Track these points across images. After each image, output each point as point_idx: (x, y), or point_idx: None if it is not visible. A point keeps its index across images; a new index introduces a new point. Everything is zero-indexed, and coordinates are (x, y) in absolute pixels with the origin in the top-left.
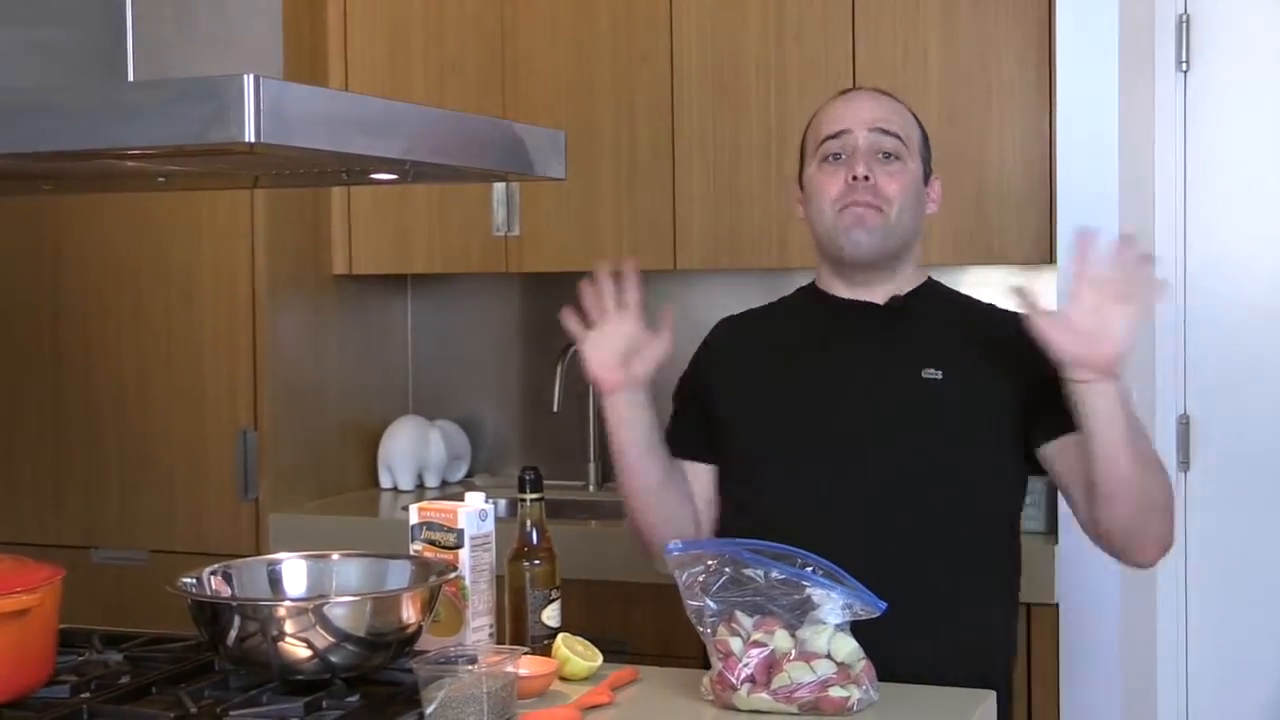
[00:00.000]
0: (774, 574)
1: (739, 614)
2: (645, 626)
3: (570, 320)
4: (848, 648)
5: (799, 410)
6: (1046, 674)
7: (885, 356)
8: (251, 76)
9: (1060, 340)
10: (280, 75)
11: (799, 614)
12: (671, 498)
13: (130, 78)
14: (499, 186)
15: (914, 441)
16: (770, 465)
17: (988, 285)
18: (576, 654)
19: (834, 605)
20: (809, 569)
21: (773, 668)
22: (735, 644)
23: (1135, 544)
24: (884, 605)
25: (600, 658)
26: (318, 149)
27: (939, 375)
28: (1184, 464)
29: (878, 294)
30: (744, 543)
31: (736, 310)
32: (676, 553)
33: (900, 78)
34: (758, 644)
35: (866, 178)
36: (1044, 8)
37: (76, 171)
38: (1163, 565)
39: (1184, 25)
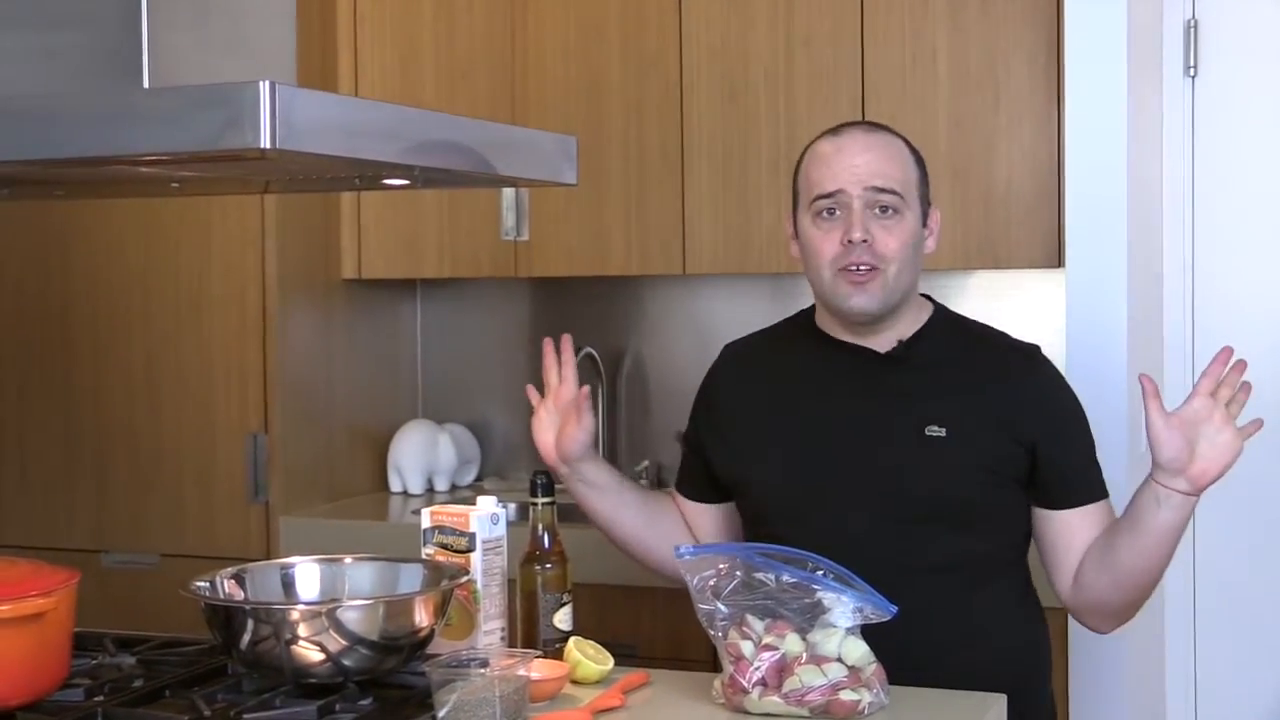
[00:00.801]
0: (785, 578)
1: (750, 617)
2: (655, 630)
3: (532, 396)
4: (859, 651)
5: (799, 462)
6: (1056, 677)
7: (888, 411)
8: (267, 83)
9: (1170, 443)
10: (294, 81)
11: (810, 618)
12: (660, 535)
13: (145, 84)
14: (508, 191)
15: (917, 502)
16: (773, 516)
17: (995, 290)
18: (588, 657)
19: (845, 609)
20: (820, 573)
21: (784, 671)
22: (746, 647)
23: (1105, 620)
24: (894, 609)
25: (612, 661)
26: (331, 155)
27: (943, 433)
28: None
29: (880, 339)
30: (755, 547)
31: (743, 313)
32: (688, 556)
33: (908, 83)
34: (769, 647)
35: (864, 240)
36: (1052, 13)
37: (91, 177)
38: (1171, 572)
39: (1192, 30)
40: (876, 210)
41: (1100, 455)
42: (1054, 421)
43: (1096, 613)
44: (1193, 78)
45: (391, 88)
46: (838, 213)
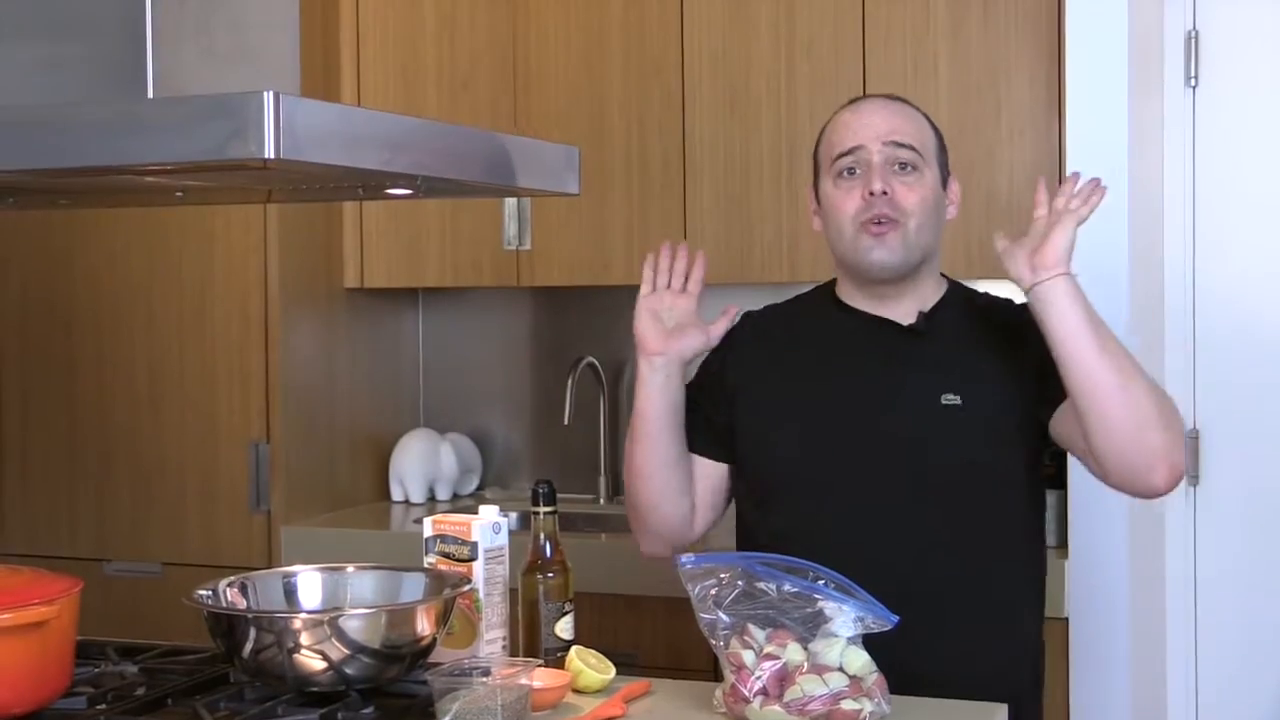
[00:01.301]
0: (786, 587)
1: (751, 627)
2: (656, 639)
3: (645, 277)
4: (860, 660)
5: (820, 431)
6: (1057, 687)
7: (907, 380)
8: (271, 93)
9: (1014, 261)
10: (298, 92)
11: (811, 627)
12: (674, 483)
13: (150, 94)
14: (510, 201)
15: (934, 467)
16: (790, 485)
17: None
18: (590, 666)
19: (846, 618)
20: (821, 582)
21: (785, 680)
22: (748, 656)
23: (1137, 465)
24: (896, 619)
25: (613, 670)
26: (335, 165)
27: (958, 400)
28: (1194, 478)
29: (901, 309)
30: (756, 556)
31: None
32: (689, 566)
33: (910, 92)
34: (770, 656)
35: (884, 192)
36: (1054, 23)
37: (95, 186)
38: (1172, 583)
39: (1193, 41)
40: (896, 167)
41: None
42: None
43: (1118, 461)
44: (1193, 88)
45: (394, 98)
46: (858, 171)
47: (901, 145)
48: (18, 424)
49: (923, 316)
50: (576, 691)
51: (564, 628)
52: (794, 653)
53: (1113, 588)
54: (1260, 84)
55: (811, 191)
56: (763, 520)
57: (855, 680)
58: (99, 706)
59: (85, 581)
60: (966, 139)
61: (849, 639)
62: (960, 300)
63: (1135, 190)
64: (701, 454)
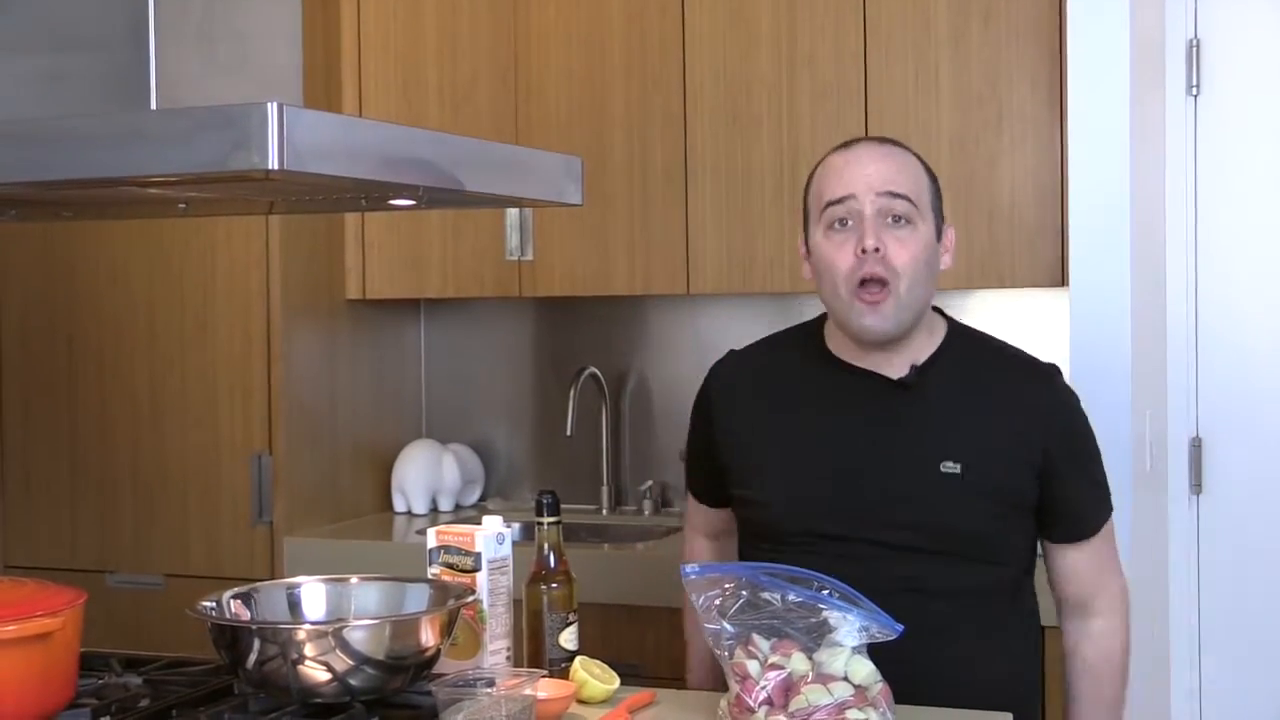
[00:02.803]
0: (791, 597)
1: (756, 637)
2: (659, 650)
3: None
4: (865, 670)
5: (806, 493)
6: (1060, 697)
7: (900, 442)
8: (275, 104)
9: None
10: (300, 103)
11: (816, 637)
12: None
13: (153, 105)
14: (512, 211)
15: (927, 535)
16: (778, 539)
17: (999, 309)
18: (594, 677)
19: (851, 628)
20: (826, 592)
21: (790, 690)
22: (753, 666)
23: None
24: (900, 628)
25: (618, 680)
26: (338, 175)
27: (957, 469)
28: (1196, 486)
29: (893, 364)
30: (761, 566)
31: (746, 333)
32: (693, 576)
33: (911, 103)
34: (775, 666)
35: (876, 249)
36: (1055, 32)
37: (99, 198)
38: (1175, 586)
39: (1194, 50)
40: (889, 220)
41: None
42: (1064, 445)
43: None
44: (1195, 97)
45: (395, 110)
46: (850, 223)
47: (896, 196)
48: (20, 436)
49: (914, 370)
50: (581, 702)
51: (568, 638)
52: (799, 662)
53: None
54: (1261, 92)
55: (802, 236)
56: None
57: (860, 690)
58: (103, 718)
59: (88, 594)
60: (968, 148)
61: (854, 649)
62: (961, 348)
63: (1137, 198)
64: (716, 505)
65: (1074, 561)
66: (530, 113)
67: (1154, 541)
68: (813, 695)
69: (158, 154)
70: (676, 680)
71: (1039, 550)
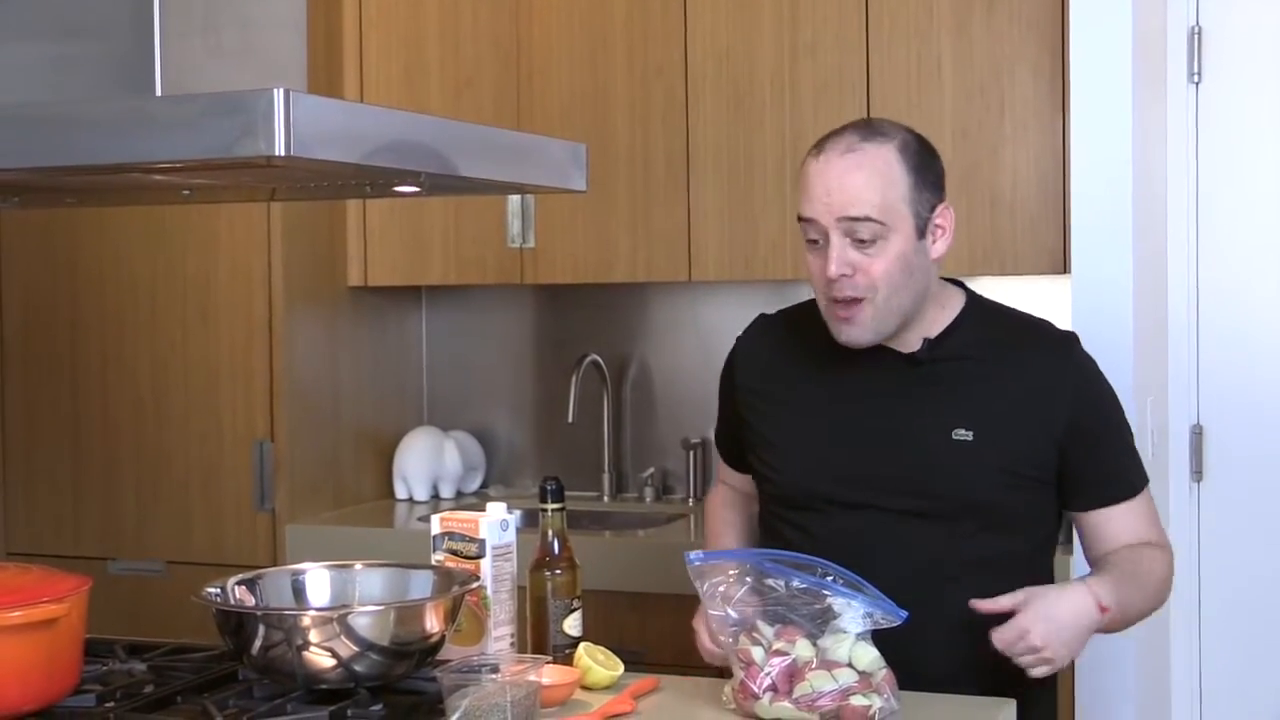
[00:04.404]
0: (795, 583)
1: (760, 623)
2: (662, 636)
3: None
4: (869, 656)
5: (825, 467)
6: (1061, 685)
7: (914, 413)
8: (281, 91)
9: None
10: (305, 89)
11: (820, 623)
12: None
13: (158, 92)
14: (514, 199)
15: (943, 503)
16: (797, 508)
17: (1001, 296)
18: (598, 663)
19: (855, 614)
20: (830, 578)
21: (794, 676)
22: (757, 653)
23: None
24: (905, 614)
25: (621, 667)
26: (343, 162)
27: (970, 436)
28: (1196, 474)
29: (907, 339)
30: (765, 553)
31: (749, 320)
32: (698, 563)
33: (913, 91)
34: (780, 653)
35: (844, 275)
36: (1057, 20)
37: (103, 185)
38: (1175, 574)
39: (1196, 37)
40: (856, 241)
41: None
42: (1085, 411)
43: None
44: (1197, 84)
45: (397, 97)
46: (820, 242)
47: (857, 220)
48: (22, 423)
49: (926, 344)
50: (585, 688)
51: (572, 624)
52: (803, 649)
53: None
54: (1263, 80)
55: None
56: (780, 528)
57: (864, 676)
58: (108, 704)
59: (92, 579)
60: (970, 137)
61: (858, 635)
62: (977, 320)
63: (1138, 186)
64: (742, 469)
65: (1119, 527)
66: (532, 99)
67: None
68: (817, 681)
69: (163, 140)
70: (680, 667)
71: (1061, 531)
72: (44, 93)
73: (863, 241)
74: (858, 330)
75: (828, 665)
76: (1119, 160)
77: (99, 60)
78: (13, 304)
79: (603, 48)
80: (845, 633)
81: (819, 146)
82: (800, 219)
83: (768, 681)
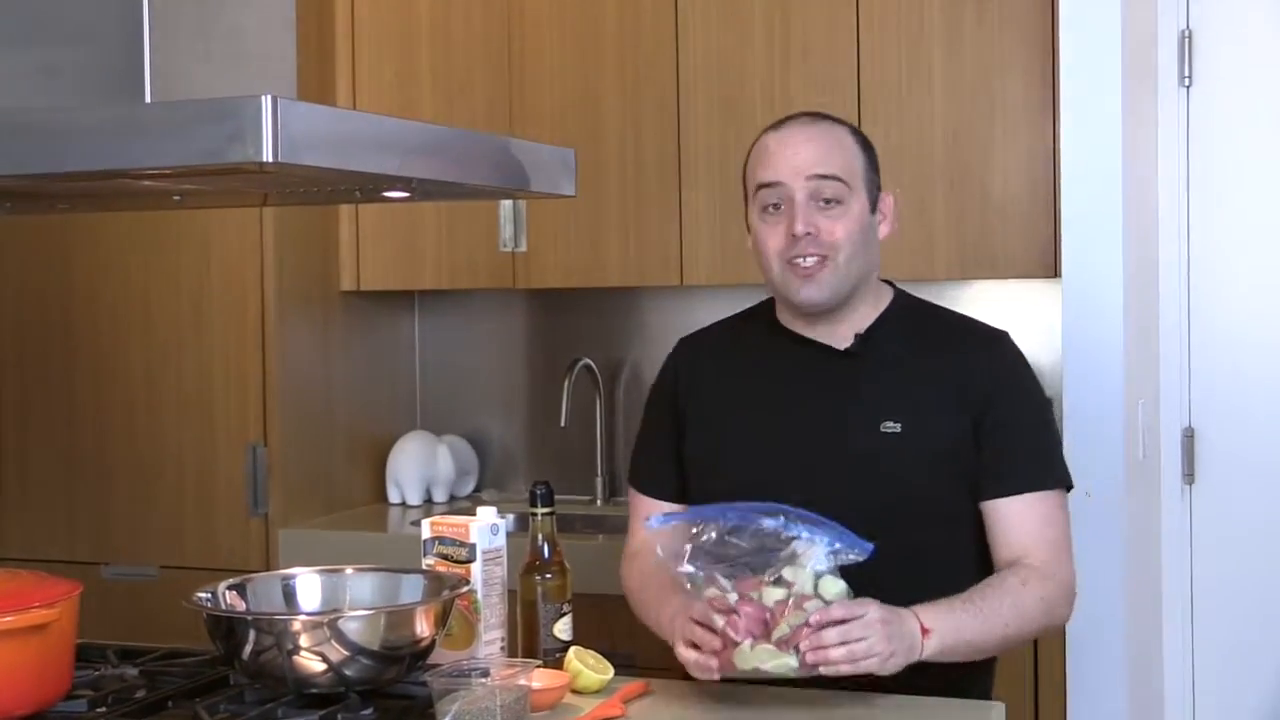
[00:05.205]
0: (759, 526)
1: (718, 576)
2: (652, 640)
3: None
4: (837, 588)
5: (761, 465)
6: (1053, 688)
7: (845, 407)
8: (269, 97)
9: None
10: (295, 95)
11: (781, 567)
12: None
13: (148, 98)
14: (506, 203)
15: (874, 495)
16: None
17: (992, 299)
18: (588, 667)
19: (819, 550)
20: (789, 520)
21: (769, 623)
22: (731, 599)
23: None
24: (870, 546)
25: (612, 671)
26: (333, 168)
27: (898, 428)
28: (1188, 477)
29: (838, 333)
30: (725, 507)
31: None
32: (656, 526)
33: (904, 96)
34: (747, 599)
35: (808, 233)
36: (1047, 24)
37: (93, 191)
38: (1168, 581)
39: (1186, 41)
40: (820, 202)
41: (1095, 465)
42: (1000, 401)
43: None
44: (1187, 88)
45: (388, 102)
46: (782, 207)
47: (825, 178)
48: (15, 428)
49: (858, 339)
50: (575, 692)
51: (562, 628)
52: (772, 594)
53: (1108, 588)
54: (1253, 83)
55: (745, 212)
56: None
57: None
58: (99, 709)
59: (83, 585)
60: (961, 140)
61: (824, 570)
62: (904, 314)
63: (1129, 189)
64: (659, 498)
65: (1012, 524)
66: (524, 104)
67: (1147, 532)
68: (793, 619)
69: (153, 147)
70: (670, 670)
71: None
72: (33, 99)
73: (827, 202)
74: (816, 289)
75: (798, 601)
76: (1109, 163)
77: (88, 67)
78: (6, 308)
79: (594, 52)
80: (807, 568)
81: (776, 126)
82: (760, 186)
83: (745, 626)
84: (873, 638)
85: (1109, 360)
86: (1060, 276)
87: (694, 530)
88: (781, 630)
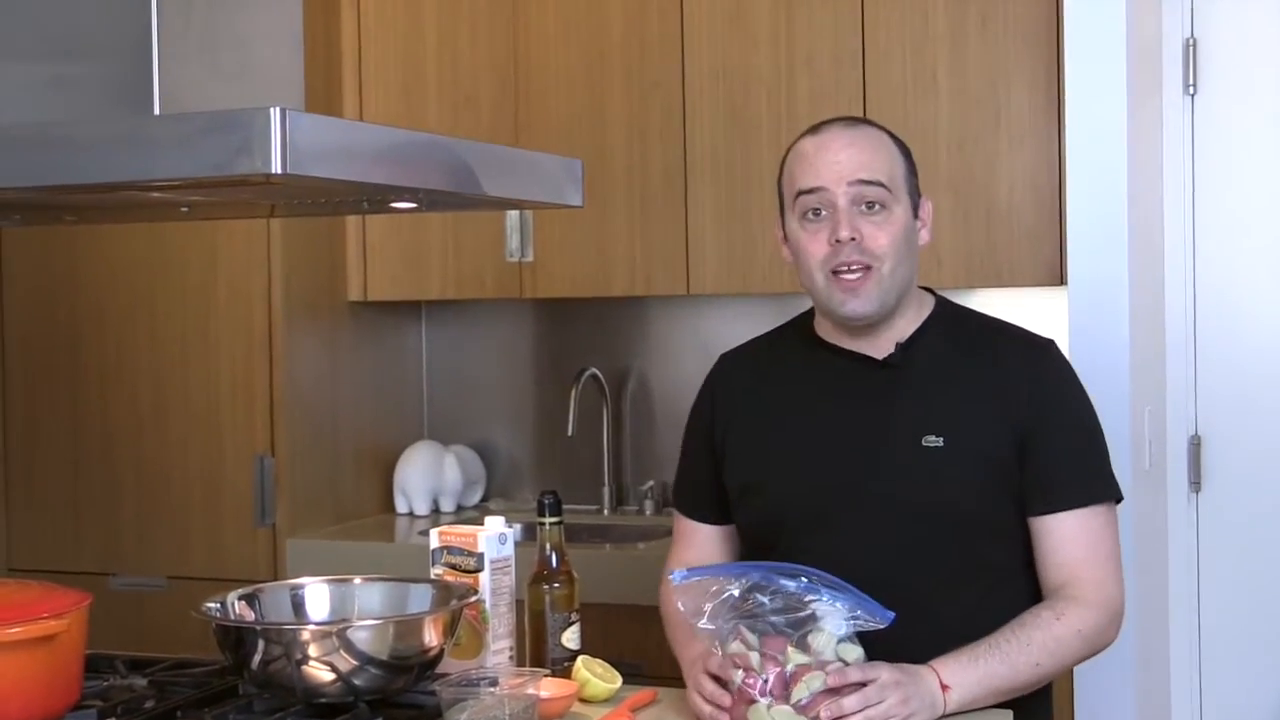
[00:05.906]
0: (780, 587)
1: (743, 630)
2: (661, 649)
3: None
4: (856, 654)
5: (803, 481)
6: (1061, 693)
7: (886, 419)
8: (277, 109)
9: None
10: (302, 107)
11: (806, 632)
12: None
13: (157, 111)
14: (512, 214)
15: (917, 513)
16: (778, 534)
17: (997, 308)
18: (596, 676)
19: (839, 615)
20: (812, 581)
21: (790, 683)
22: (753, 658)
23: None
24: (891, 615)
25: (620, 680)
26: (340, 179)
27: (940, 443)
28: (1195, 484)
29: (879, 344)
30: (748, 565)
31: (747, 333)
32: (679, 581)
33: (909, 104)
34: (772, 659)
35: (852, 239)
36: (1052, 32)
37: (102, 202)
38: (1174, 584)
39: (1191, 49)
40: (863, 207)
41: None
42: (1046, 412)
43: None
44: (1192, 96)
45: (395, 114)
46: (824, 213)
47: (868, 183)
48: (23, 439)
49: (899, 349)
50: (583, 701)
51: (570, 637)
52: (795, 657)
53: None
54: (1258, 91)
55: (779, 224)
56: (761, 556)
57: None
58: (109, 719)
59: (92, 595)
60: (966, 149)
61: (845, 634)
62: (947, 323)
63: (1135, 197)
64: (701, 520)
65: (1055, 542)
66: (530, 115)
67: (1153, 539)
68: (812, 683)
69: (161, 159)
70: (678, 680)
71: None
72: (43, 112)
73: (870, 207)
74: (861, 302)
75: (820, 666)
76: (1115, 171)
77: (97, 80)
78: (14, 319)
79: (600, 63)
80: (828, 632)
81: (813, 130)
82: (801, 192)
83: (765, 686)
84: (890, 699)
85: (1115, 368)
86: (1066, 285)
87: (713, 589)
88: (800, 692)
